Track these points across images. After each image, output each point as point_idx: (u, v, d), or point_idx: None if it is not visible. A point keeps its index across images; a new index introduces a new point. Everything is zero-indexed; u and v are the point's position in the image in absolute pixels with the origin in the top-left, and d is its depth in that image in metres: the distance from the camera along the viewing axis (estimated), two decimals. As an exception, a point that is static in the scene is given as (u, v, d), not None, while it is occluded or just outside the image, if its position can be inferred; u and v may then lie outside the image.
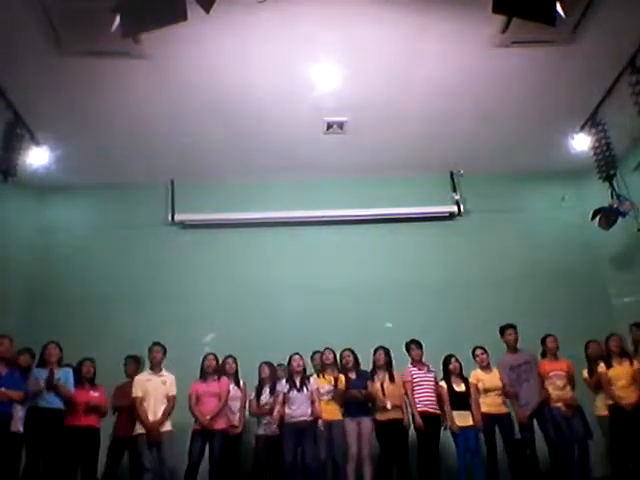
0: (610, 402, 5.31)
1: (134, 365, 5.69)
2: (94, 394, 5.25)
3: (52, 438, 4.82)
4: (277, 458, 5.21)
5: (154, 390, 5.22)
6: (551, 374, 5.52)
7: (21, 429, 4.75)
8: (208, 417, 5.19)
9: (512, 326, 5.73)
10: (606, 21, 5.04)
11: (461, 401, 5.47)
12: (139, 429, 5.09)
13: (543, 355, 5.72)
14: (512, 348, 5.69)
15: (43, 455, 4.81)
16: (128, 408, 5.31)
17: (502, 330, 5.75)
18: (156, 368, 5.37)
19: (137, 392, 5.20)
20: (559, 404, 5.40)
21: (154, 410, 5.14)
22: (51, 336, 5.36)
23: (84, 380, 5.27)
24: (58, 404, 4.95)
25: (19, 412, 4.75)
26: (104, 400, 5.33)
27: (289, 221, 7.49)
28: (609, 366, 5.38)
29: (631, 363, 5.34)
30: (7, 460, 4.61)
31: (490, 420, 5.41)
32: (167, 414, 5.17)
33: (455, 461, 5.44)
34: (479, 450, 5.36)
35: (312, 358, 5.89)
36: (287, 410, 5.27)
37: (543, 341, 5.72)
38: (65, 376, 5.07)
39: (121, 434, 5.32)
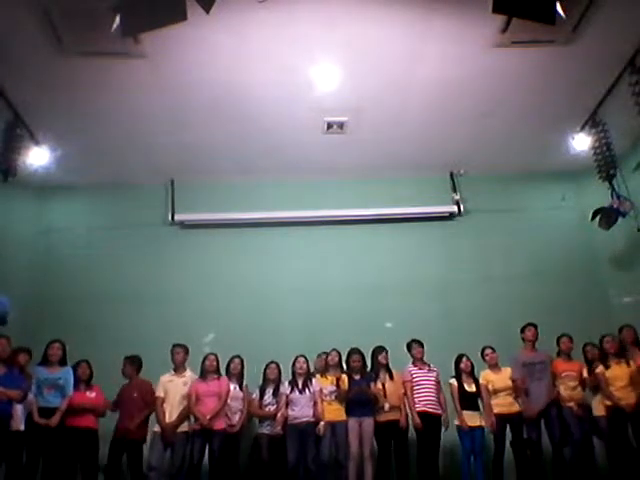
0: (608, 403, 5.31)
1: (130, 366, 5.62)
2: (90, 395, 5.26)
3: (52, 437, 4.82)
4: (279, 458, 5.21)
5: (174, 391, 5.35)
6: (563, 374, 5.53)
7: (21, 428, 4.75)
8: (208, 417, 5.19)
9: (533, 325, 5.77)
10: (606, 21, 5.03)
11: (471, 401, 5.49)
12: (156, 428, 5.27)
13: (558, 355, 5.73)
14: (530, 346, 5.71)
15: (43, 454, 4.81)
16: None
17: (523, 328, 5.79)
18: (179, 369, 5.51)
19: (159, 393, 5.40)
20: (571, 404, 5.40)
21: (171, 411, 5.26)
22: (51, 336, 5.37)
23: (80, 381, 5.26)
24: (57, 403, 4.95)
25: (19, 411, 4.74)
26: (101, 400, 5.33)
27: (289, 221, 7.48)
28: (607, 367, 5.38)
29: (628, 364, 5.35)
30: (8, 459, 4.61)
31: (501, 420, 5.41)
32: (184, 414, 5.26)
33: (456, 461, 5.44)
34: (483, 451, 5.36)
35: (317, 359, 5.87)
36: (290, 412, 5.30)
37: (558, 341, 5.75)
38: (65, 376, 5.08)
39: (121, 434, 5.31)
